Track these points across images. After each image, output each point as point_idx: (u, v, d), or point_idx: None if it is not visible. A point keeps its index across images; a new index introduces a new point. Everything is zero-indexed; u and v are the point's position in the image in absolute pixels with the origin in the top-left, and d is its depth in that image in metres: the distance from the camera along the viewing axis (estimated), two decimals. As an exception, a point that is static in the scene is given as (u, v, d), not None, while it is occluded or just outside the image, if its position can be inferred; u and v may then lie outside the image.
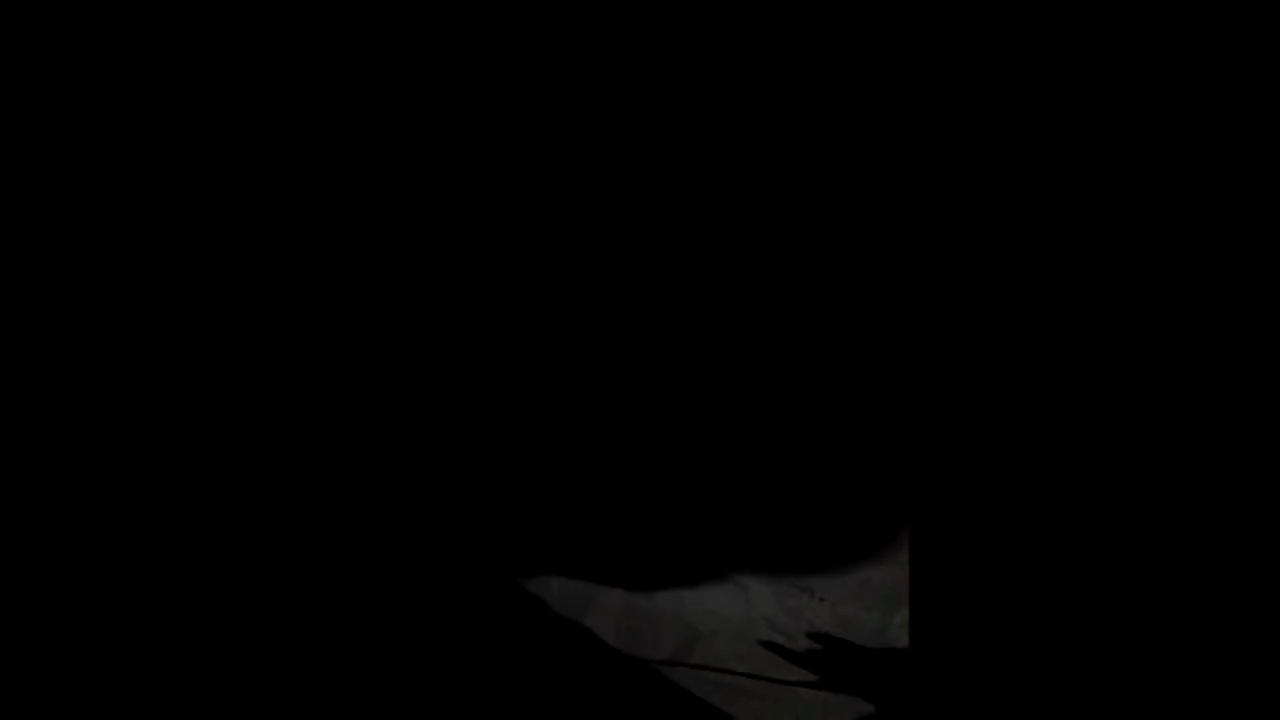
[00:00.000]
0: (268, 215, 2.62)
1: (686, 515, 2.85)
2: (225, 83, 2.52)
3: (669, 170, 2.49)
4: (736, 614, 2.66)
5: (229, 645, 2.48)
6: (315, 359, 2.73)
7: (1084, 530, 1.90)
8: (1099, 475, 1.86)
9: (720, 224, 2.56)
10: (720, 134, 2.46)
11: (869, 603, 2.71)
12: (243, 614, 2.55)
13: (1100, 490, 1.88)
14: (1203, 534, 1.77)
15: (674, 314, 2.74)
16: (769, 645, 2.58)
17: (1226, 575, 1.77)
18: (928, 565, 2.13)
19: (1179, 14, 1.64)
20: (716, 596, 2.70)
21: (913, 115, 1.86)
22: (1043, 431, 1.92)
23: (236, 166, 2.59)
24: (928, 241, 1.95)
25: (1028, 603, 2.00)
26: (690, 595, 2.69)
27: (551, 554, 2.76)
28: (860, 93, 2.27)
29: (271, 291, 2.65)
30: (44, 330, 2.59)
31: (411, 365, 2.79)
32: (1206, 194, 1.68)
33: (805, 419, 2.94)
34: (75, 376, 2.64)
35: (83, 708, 2.33)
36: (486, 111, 2.52)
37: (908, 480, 2.77)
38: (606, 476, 2.87)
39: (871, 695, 2.47)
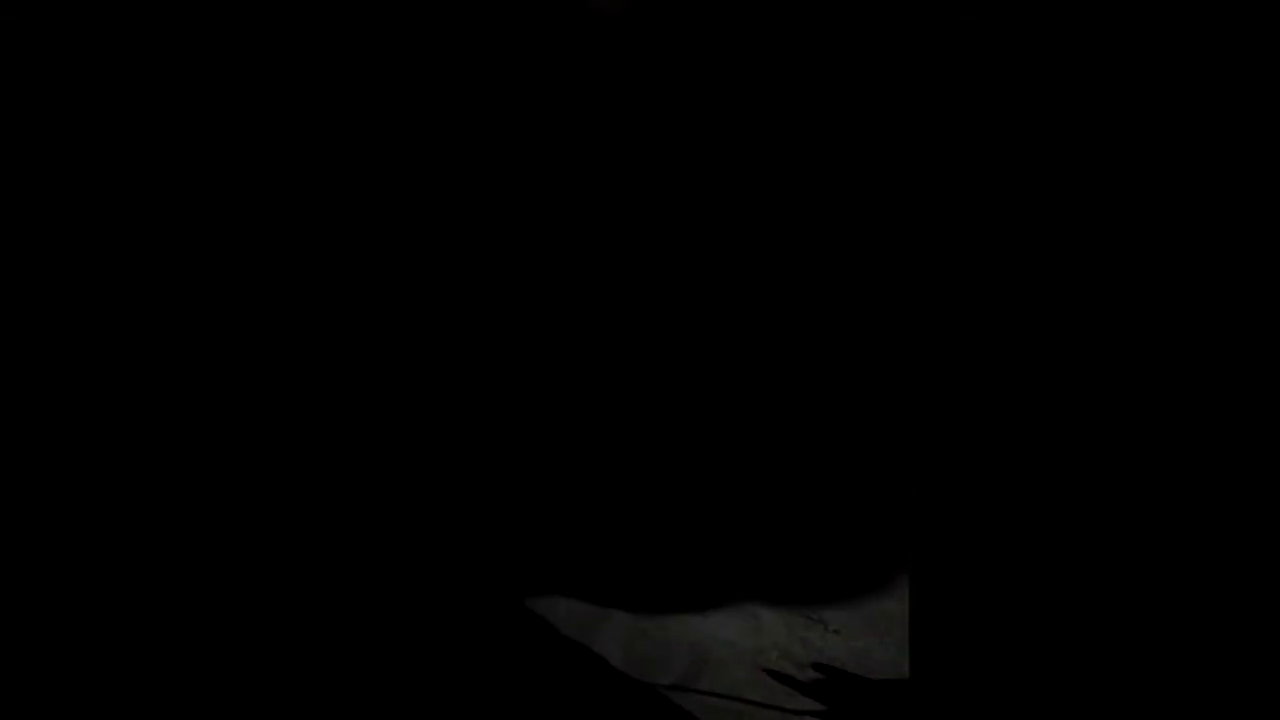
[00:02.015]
0: (268, 216, 2.65)
1: (698, 540, 2.82)
2: (224, 83, 2.56)
3: (671, 175, 2.50)
4: (747, 642, 2.61)
5: (231, 665, 2.46)
6: (321, 370, 2.74)
7: (1092, 553, 1.86)
8: (1108, 496, 1.82)
9: (729, 237, 2.56)
10: (720, 135, 2.47)
11: (883, 635, 2.65)
12: (241, 638, 2.53)
13: (1108, 512, 1.84)
14: (1217, 555, 1.72)
15: (686, 335, 2.73)
16: (780, 675, 2.53)
17: (1237, 594, 1.71)
18: (928, 590, 2.09)
19: (1179, 13, 1.64)
20: (727, 624, 2.65)
21: (913, 115, 1.86)
22: (1050, 452, 1.88)
23: (236, 167, 2.63)
24: (929, 247, 1.93)
25: (1032, 630, 1.95)
26: (700, 621, 2.64)
27: (560, 575, 2.73)
28: (860, 92, 2.27)
29: (278, 296, 2.67)
30: (43, 330, 2.61)
31: (420, 380, 2.80)
32: (1207, 194, 1.66)
33: (821, 446, 2.91)
34: (74, 377, 2.66)
35: (83, 708, 2.32)
36: (486, 113, 2.55)
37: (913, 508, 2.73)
38: (617, 498, 2.85)
39: (879, 726, 2.41)
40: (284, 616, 2.59)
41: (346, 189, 2.67)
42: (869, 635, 2.66)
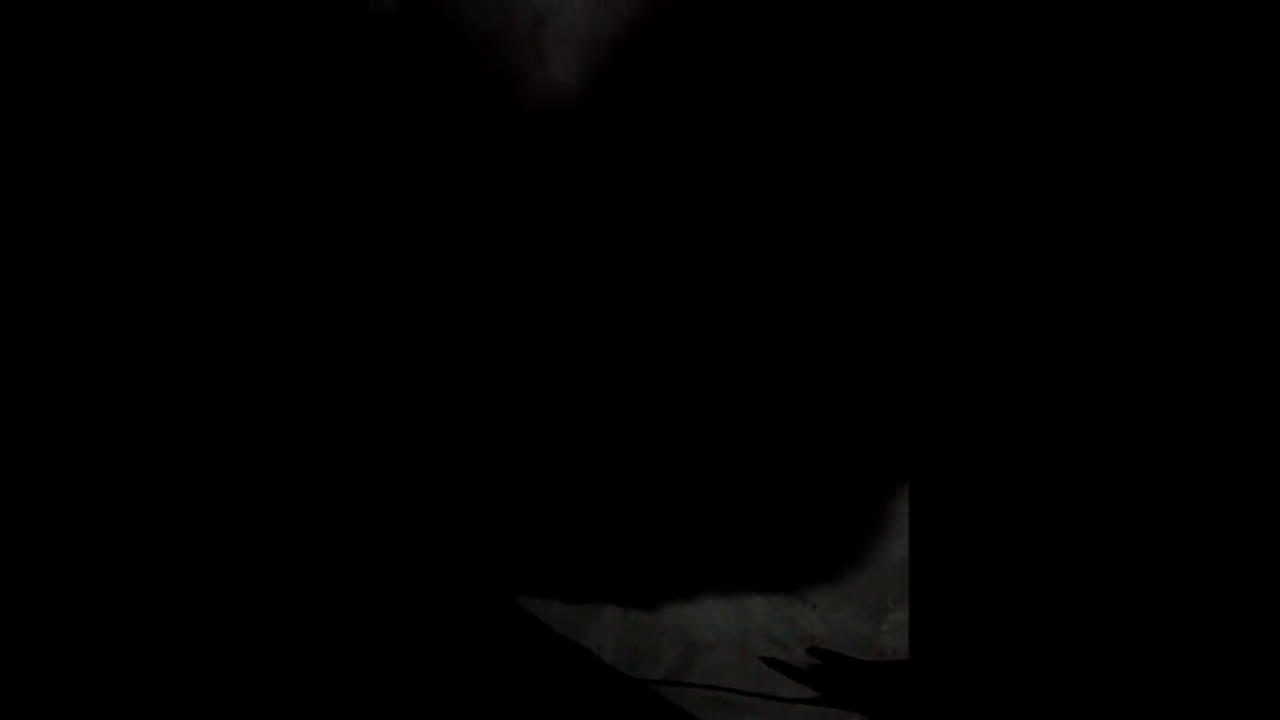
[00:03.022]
0: (266, 216, 2.56)
1: (684, 526, 2.82)
2: (221, 82, 2.45)
3: (665, 168, 2.45)
4: (733, 626, 2.63)
5: (220, 662, 2.42)
6: (302, 361, 2.67)
7: (1088, 534, 1.89)
8: (1103, 478, 1.85)
9: (715, 225, 2.52)
10: (718, 133, 2.42)
11: (858, 608, 2.70)
12: (231, 636, 2.49)
13: (1104, 493, 1.87)
14: (1217, 547, 1.76)
15: (666, 323, 2.70)
16: (772, 661, 2.56)
17: (1234, 582, 1.76)
18: (926, 571, 2.11)
19: (1180, 14, 1.63)
20: (715, 608, 2.67)
21: (913, 115, 1.84)
22: (1045, 432, 1.90)
23: (236, 166, 2.52)
24: (927, 242, 1.92)
25: (1030, 610, 1.99)
26: (690, 608, 2.66)
27: (549, 567, 2.71)
28: (860, 92, 2.24)
29: (268, 293, 2.59)
30: (38, 332, 2.51)
31: (408, 377, 2.73)
32: (1207, 194, 1.67)
33: (788, 422, 2.91)
34: (72, 378, 2.56)
35: (83, 708, 2.28)
36: (482, 109, 2.46)
37: (893, 483, 2.77)
38: (605, 490, 2.83)
39: (866, 708, 2.45)
40: (271, 614, 2.55)
41: (342, 189, 2.58)
42: (845, 608, 2.71)
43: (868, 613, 2.66)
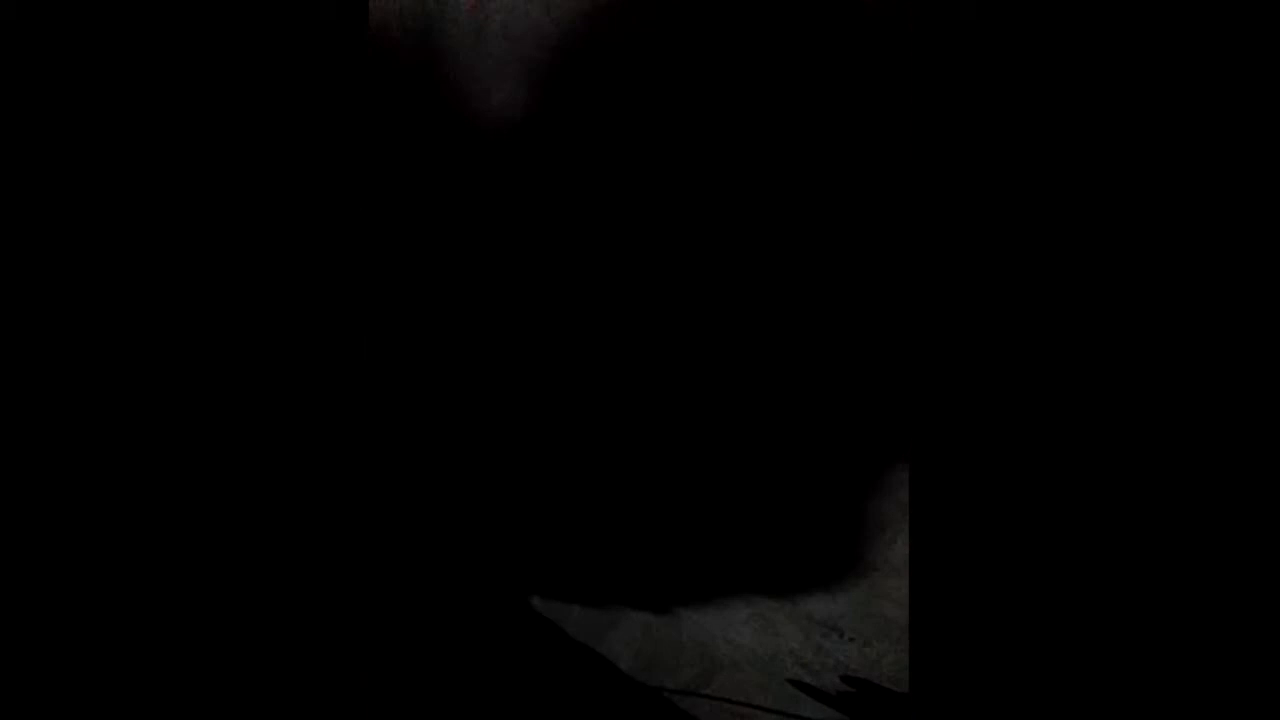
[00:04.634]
0: (265, 215, 2.68)
1: (714, 548, 2.82)
2: (218, 81, 2.59)
3: (663, 169, 2.51)
4: (762, 647, 2.61)
5: (231, 665, 2.47)
6: (318, 368, 2.76)
7: (1097, 558, 1.85)
8: (1111, 502, 1.82)
9: (726, 242, 2.57)
10: (713, 132, 2.48)
11: (897, 643, 2.65)
12: (237, 638, 2.55)
13: (1113, 514, 1.83)
14: (1220, 560, 1.71)
15: (701, 333, 2.74)
16: (793, 681, 2.52)
17: (1241, 599, 1.70)
18: (928, 591, 2.08)
19: (1179, 14, 1.65)
20: (742, 629, 2.65)
21: (913, 115, 1.86)
22: (1052, 451, 1.87)
23: (233, 165, 2.66)
24: (927, 248, 1.93)
25: (1034, 635, 1.94)
26: (715, 626, 2.64)
27: (573, 578, 2.74)
28: (859, 92, 2.28)
29: (270, 293, 2.69)
30: (37, 332, 2.64)
31: (425, 381, 2.81)
32: (1205, 194, 1.66)
33: (836, 456, 2.91)
34: (72, 378, 2.69)
35: (83, 708, 2.34)
36: (474, 108, 2.57)
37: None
38: (633, 500, 2.86)
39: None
40: (282, 617, 2.60)
41: (336, 184, 2.70)
42: (882, 643, 2.65)
43: (906, 650, 2.61)
